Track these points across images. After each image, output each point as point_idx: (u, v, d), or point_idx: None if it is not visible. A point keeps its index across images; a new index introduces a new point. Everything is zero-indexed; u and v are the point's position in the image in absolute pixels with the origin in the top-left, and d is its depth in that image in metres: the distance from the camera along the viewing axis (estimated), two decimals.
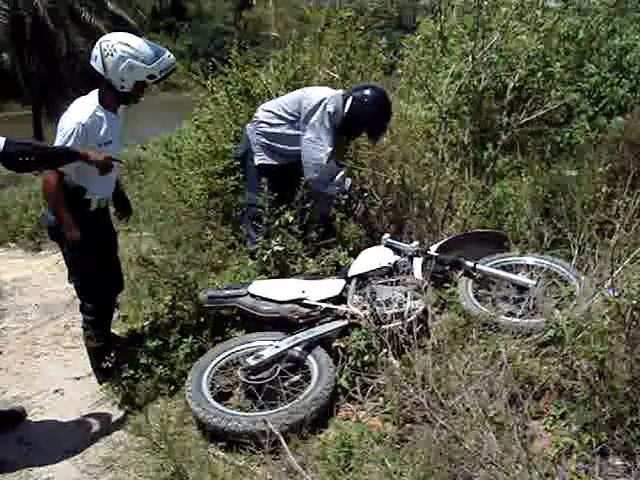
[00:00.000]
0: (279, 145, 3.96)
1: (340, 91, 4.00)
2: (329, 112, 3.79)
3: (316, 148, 3.81)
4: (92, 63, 3.15)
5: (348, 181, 3.96)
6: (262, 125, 3.99)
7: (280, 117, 3.94)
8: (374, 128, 3.99)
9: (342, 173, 3.94)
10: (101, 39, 3.16)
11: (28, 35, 20.20)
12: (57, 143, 3.08)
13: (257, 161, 4.01)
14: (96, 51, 3.12)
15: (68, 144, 3.04)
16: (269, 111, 4.01)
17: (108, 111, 3.23)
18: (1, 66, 22.41)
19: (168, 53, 3.19)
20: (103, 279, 3.48)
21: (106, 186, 3.41)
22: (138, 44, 3.11)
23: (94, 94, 3.24)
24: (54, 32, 20.70)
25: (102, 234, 3.52)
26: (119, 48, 3.07)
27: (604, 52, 5.33)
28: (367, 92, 3.89)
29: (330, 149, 3.81)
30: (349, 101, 3.87)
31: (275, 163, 3.99)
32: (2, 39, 20.58)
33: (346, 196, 3.98)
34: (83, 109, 3.16)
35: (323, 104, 3.80)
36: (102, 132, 3.19)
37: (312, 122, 3.81)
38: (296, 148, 3.90)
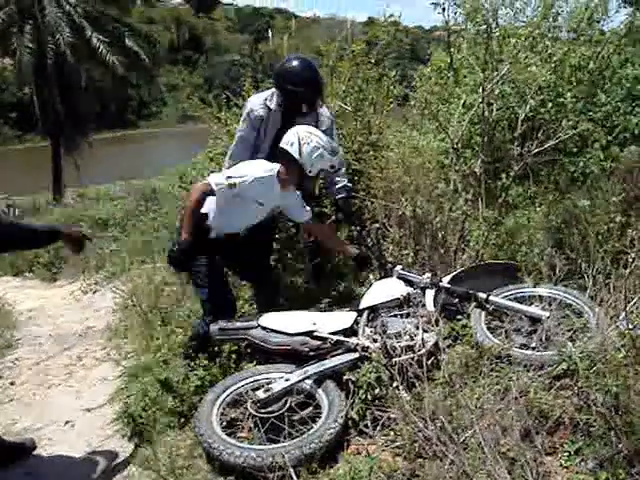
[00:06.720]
0: None
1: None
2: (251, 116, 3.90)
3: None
4: (286, 147, 3.49)
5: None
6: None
7: None
8: (298, 89, 3.81)
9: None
10: (297, 129, 3.53)
11: (50, 70, 20.62)
12: (228, 173, 3.47)
13: None
14: (293, 138, 3.49)
15: (236, 180, 3.37)
16: None
17: (279, 185, 3.53)
18: (22, 99, 22.92)
19: (340, 150, 3.63)
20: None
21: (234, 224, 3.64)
22: (327, 139, 3.56)
23: (277, 166, 3.52)
24: (74, 67, 21.15)
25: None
26: (314, 139, 3.48)
27: (616, 82, 5.32)
28: (276, 72, 3.94)
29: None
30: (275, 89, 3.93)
31: None
32: (26, 74, 21.09)
33: (358, 228, 3.99)
34: (264, 169, 3.49)
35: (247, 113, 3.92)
36: (263, 192, 3.48)
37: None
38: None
